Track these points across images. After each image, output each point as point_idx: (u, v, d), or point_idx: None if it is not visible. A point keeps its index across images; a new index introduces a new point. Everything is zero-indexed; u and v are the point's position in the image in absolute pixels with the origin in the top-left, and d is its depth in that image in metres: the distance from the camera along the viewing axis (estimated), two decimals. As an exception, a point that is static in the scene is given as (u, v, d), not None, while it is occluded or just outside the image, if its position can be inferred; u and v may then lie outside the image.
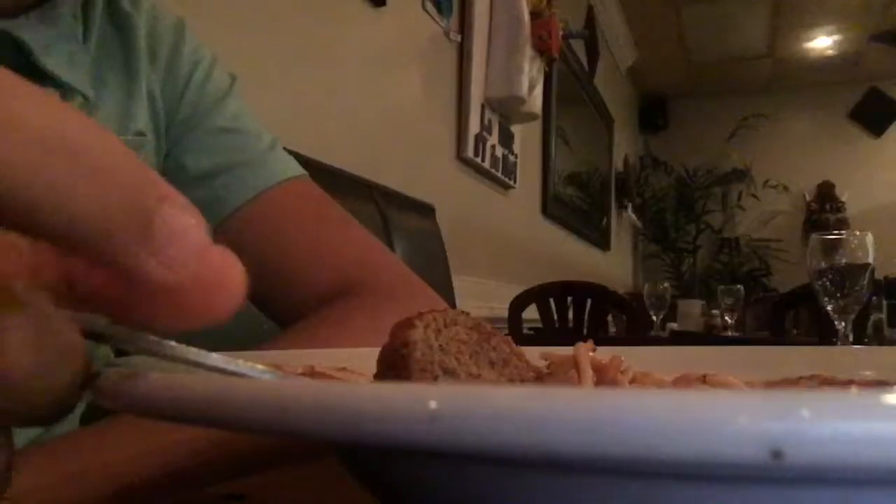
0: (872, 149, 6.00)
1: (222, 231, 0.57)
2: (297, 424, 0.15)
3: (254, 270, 0.64)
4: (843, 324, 1.12)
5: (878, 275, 1.36)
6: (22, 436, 0.50)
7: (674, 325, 3.27)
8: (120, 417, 0.41)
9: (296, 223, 0.59)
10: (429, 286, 0.61)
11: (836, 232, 1.18)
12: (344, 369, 0.30)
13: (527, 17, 2.65)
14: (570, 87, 3.92)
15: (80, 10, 0.50)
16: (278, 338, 0.52)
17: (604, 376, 0.29)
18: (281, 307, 0.58)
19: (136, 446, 0.39)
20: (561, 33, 2.94)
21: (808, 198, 6.09)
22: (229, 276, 0.16)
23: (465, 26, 2.52)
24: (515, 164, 2.99)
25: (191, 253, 0.15)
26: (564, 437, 0.13)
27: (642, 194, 5.92)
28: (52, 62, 0.45)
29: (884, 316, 1.89)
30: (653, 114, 6.44)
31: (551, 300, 2.63)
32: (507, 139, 2.88)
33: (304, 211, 0.60)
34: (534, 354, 0.31)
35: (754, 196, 6.05)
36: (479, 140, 2.59)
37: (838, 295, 1.11)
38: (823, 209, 6.02)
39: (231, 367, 0.19)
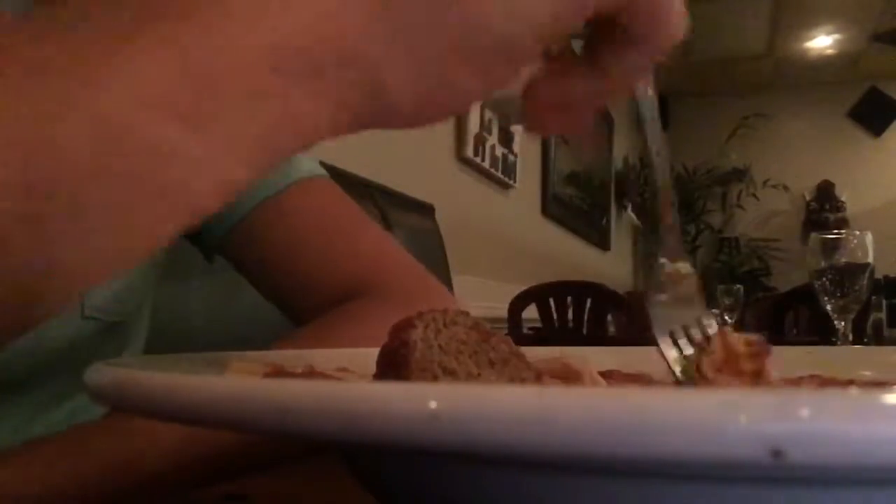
0: (872, 148, 5.99)
1: (243, 228, 0.57)
2: (297, 424, 0.15)
3: (271, 269, 0.64)
4: (842, 324, 1.11)
5: (878, 274, 1.36)
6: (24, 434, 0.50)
7: (674, 325, 3.26)
8: (122, 416, 0.41)
9: (313, 222, 0.59)
10: (444, 286, 0.61)
11: (836, 231, 1.18)
12: (344, 369, 0.30)
13: (527, 16, 2.64)
14: (570, 86, 3.91)
15: None
16: (286, 338, 0.52)
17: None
18: (297, 307, 0.58)
19: (137, 445, 0.39)
20: (561, 33, 2.94)
21: (807, 197, 6.08)
22: None
23: (464, 26, 2.51)
24: (515, 163, 2.99)
25: None
26: (564, 437, 0.13)
27: (642, 194, 5.92)
28: None
29: (884, 316, 1.88)
30: (653, 113, 6.43)
31: (551, 300, 2.63)
32: (506, 139, 2.87)
33: (322, 210, 0.60)
34: (532, 354, 0.31)
35: (754, 196, 6.04)
36: (479, 140, 2.59)
37: (838, 294, 1.11)
38: (823, 209, 6.01)
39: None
